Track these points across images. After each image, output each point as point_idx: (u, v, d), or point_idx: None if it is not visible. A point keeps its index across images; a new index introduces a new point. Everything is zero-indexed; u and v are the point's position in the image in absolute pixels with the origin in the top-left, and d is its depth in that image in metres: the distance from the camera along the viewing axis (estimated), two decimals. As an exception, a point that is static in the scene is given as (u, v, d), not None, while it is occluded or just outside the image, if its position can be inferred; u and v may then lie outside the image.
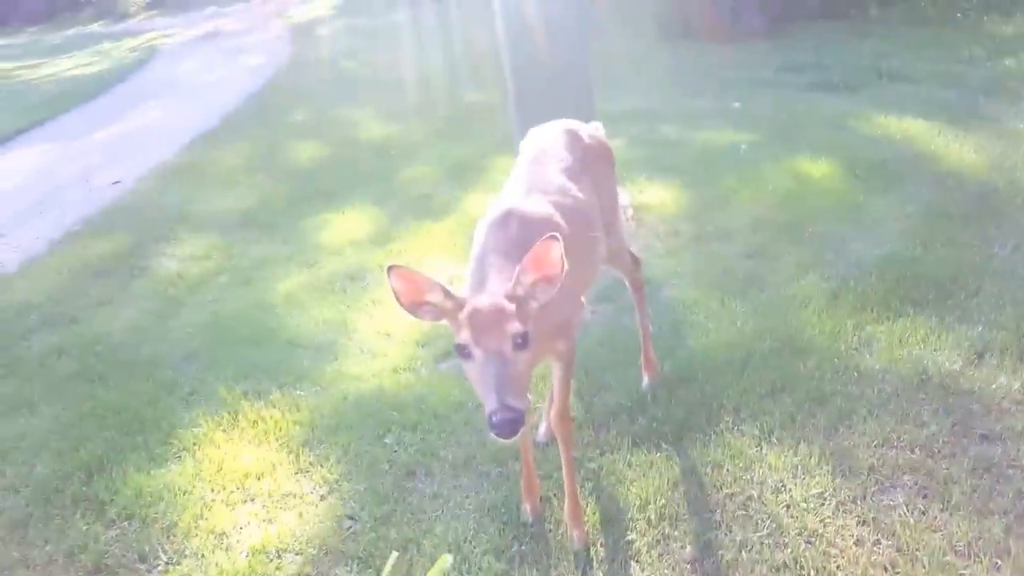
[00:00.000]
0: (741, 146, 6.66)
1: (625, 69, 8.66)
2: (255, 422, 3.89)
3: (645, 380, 3.66)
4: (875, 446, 3.07)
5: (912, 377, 3.42)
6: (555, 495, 3.08)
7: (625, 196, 5.39)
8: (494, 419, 2.06)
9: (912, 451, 3.02)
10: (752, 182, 5.97)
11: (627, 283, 3.61)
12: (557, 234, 2.22)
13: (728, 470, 3.08)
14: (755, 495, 2.94)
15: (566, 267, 2.25)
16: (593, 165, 3.19)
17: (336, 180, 7.33)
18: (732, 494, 2.96)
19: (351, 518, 3.12)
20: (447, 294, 2.29)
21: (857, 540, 2.67)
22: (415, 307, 2.30)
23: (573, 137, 3.21)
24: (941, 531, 2.65)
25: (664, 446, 3.26)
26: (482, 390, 2.19)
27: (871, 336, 3.79)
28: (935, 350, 3.60)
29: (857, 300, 4.10)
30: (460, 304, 2.28)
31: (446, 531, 2.98)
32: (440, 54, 12.28)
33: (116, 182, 8.00)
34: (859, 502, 2.83)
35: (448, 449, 3.44)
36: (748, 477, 3.03)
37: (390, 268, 2.24)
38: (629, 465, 3.19)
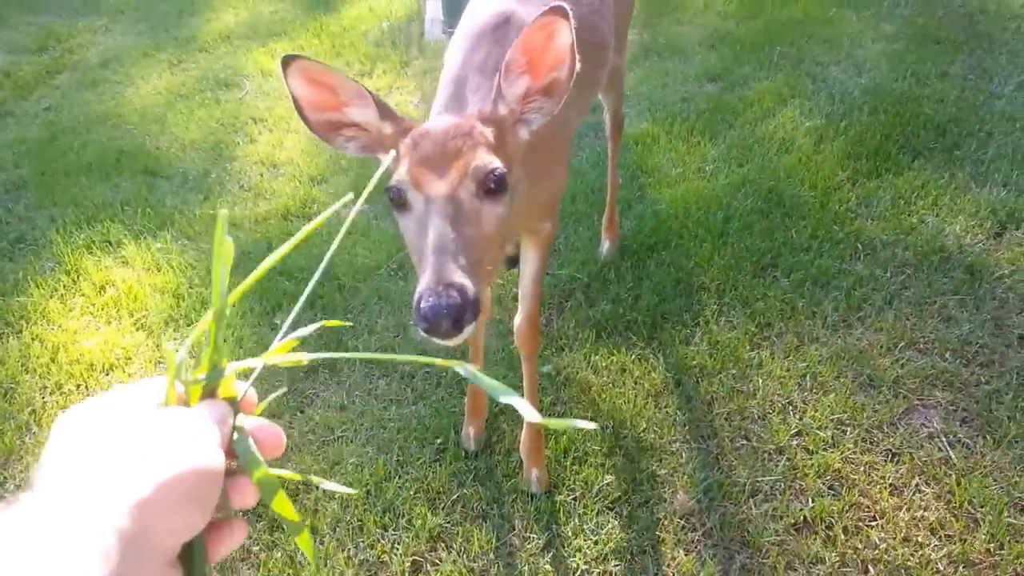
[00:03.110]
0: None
1: None
2: (102, 288, 2.93)
3: (605, 246, 2.88)
4: (899, 348, 2.45)
5: (929, 254, 2.78)
6: (504, 415, 2.33)
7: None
8: (422, 304, 1.18)
9: (943, 357, 2.42)
10: (704, -17, 4.96)
11: (607, 119, 2.72)
12: (564, 5, 1.28)
13: (720, 380, 2.40)
14: (756, 416, 2.30)
15: (578, 66, 1.34)
16: None
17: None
18: (728, 415, 2.31)
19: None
20: (383, 108, 1.38)
21: (892, 487, 2.08)
22: (330, 128, 1.39)
23: None
24: (995, 476, 2.09)
25: (636, 342, 2.54)
26: (418, 259, 1.31)
27: (871, 195, 3.10)
28: (949, 216, 2.96)
29: (849, 145, 3.37)
30: (404, 127, 1.39)
31: (359, 460, 2.21)
32: None
33: None
34: (887, 429, 2.24)
35: (358, 337, 2.60)
36: (746, 390, 2.37)
37: (287, 61, 1.30)
38: (595, 370, 2.46)
